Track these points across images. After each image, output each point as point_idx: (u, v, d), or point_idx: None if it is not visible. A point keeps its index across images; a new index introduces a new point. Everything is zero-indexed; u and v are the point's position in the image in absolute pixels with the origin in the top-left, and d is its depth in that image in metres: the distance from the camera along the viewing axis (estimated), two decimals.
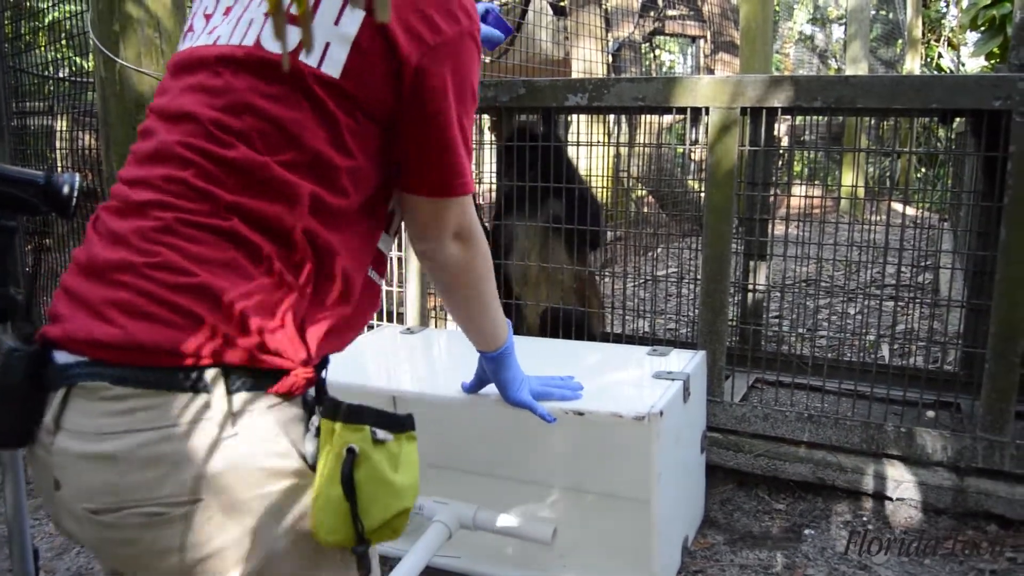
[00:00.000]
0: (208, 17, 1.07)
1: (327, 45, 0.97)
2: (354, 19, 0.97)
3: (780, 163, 3.32)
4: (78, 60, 4.12)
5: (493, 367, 1.55)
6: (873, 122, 3.54)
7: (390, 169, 1.07)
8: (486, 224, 2.80)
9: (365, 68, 0.97)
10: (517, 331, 2.74)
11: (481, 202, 3.40)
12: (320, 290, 0.99)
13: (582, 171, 3.80)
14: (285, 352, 0.93)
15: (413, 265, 2.63)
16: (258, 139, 0.95)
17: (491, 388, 1.86)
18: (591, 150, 4.14)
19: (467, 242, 1.18)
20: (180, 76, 1.03)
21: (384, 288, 1.10)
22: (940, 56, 11.26)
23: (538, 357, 2.13)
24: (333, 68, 0.96)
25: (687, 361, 2.02)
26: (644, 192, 6.24)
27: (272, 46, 0.99)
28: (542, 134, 2.65)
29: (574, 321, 2.56)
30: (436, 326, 3.03)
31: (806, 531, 2.07)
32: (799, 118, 2.80)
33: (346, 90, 0.97)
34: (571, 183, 2.57)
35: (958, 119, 2.51)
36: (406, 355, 2.14)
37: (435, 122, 1.02)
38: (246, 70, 0.98)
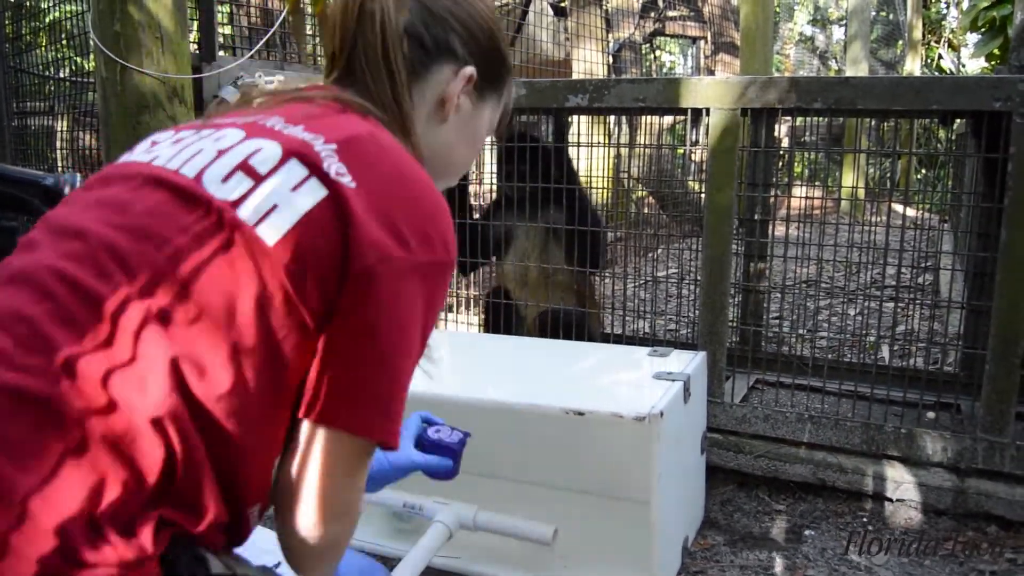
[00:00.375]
0: (155, 144, 0.97)
1: (274, 206, 0.85)
2: (314, 192, 0.86)
3: (780, 164, 3.33)
4: (79, 60, 4.13)
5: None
6: (873, 123, 3.54)
7: (289, 379, 0.87)
8: (479, 221, 2.80)
9: (307, 248, 0.84)
10: (516, 331, 2.74)
11: (482, 203, 3.40)
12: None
13: (582, 172, 3.80)
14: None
15: None
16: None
17: (493, 391, 1.86)
18: (591, 151, 4.14)
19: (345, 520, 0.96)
20: (94, 188, 0.92)
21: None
22: (940, 57, 11.27)
23: (539, 358, 2.14)
24: (270, 233, 0.84)
25: (687, 362, 2.02)
26: (644, 193, 6.24)
27: (213, 187, 0.87)
28: (553, 139, 2.65)
29: (573, 322, 2.56)
30: (437, 327, 3.03)
31: (806, 532, 2.07)
32: (799, 119, 2.81)
33: (275, 260, 0.83)
34: (573, 191, 2.57)
35: (958, 120, 2.52)
36: None
37: (369, 338, 0.86)
38: (171, 198, 0.87)
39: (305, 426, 0.87)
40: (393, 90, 1.00)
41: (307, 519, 0.92)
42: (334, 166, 0.87)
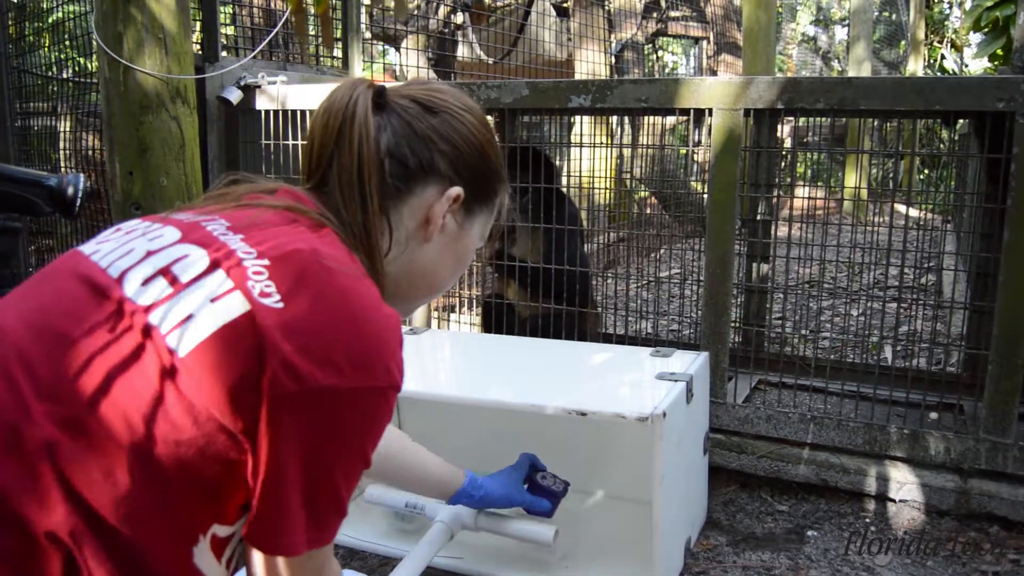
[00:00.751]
0: (114, 233, 0.97)
1: (188, 316, 0.83)
2: (233, 307, 0.83)
3: (783, 164, 3.32)
4: (82, 61, 4.13)
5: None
6: (876, 124, 3.54)
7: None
8: None
9: (220, 362, 0.81)
10: (510, 331, 2.73)
11: None
12: None
13: (585, 172, 3.81)
14: None
15: None
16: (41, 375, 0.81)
17: (495, 392, 1.86)
18: (594, 151, 4.14)
19: None
20: (34, 280, 0.92)
21: None
22: (943, 58, 11.26)
23: (541, 358, 2.14)
24: (182, 342, 0.82)
25: (690, 362, 2.02)
26: (647, 193, 6.24)
27: (131, 289, 0.86)
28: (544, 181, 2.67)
29: (573, 324, 2.55)
30: (440, 327, 3.03)
31: (809, 532, 2.07)
32: (802, 119, 2.80)
33: (184, 371, 0.81)
34: (563, 232, 2.60)
35: (961, 121, 2.51)
36: (409, 356, 2.14)
37: (291, 466, 0.83)
38: (90, 296, 0.86)
39: (256, 554, 0.87)
40: (364, 216, 0.98)
41: None
42: (260, 284, 0.84)
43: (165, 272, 0.87)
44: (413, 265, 1.07)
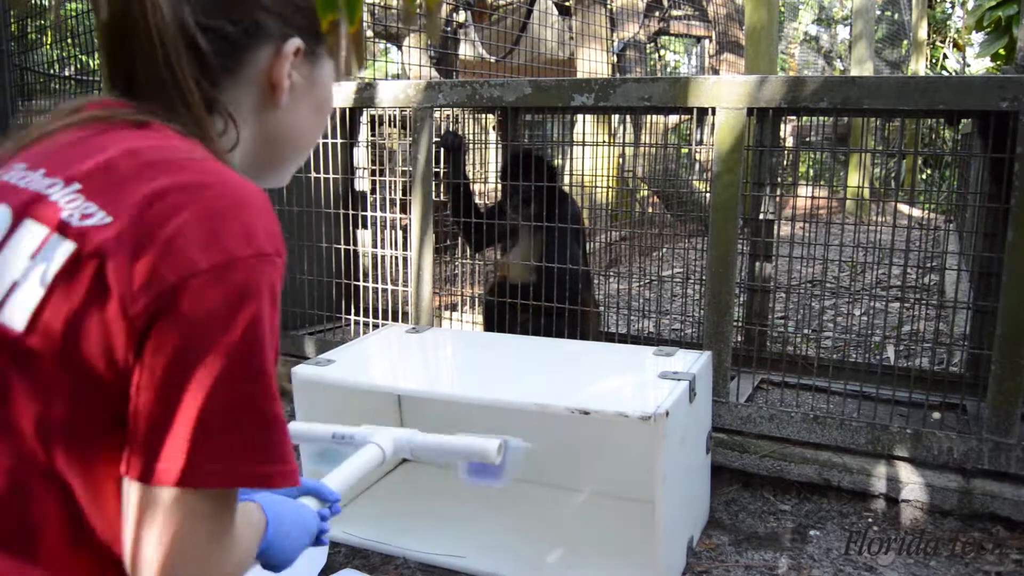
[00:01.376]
0: None
1: (13, 285, 0.72)
2: (58, 253, 0.72)
3: (785, 163, 3.32)
4: (84, 59, 4.13)
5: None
6: (879, 123, 3.54)
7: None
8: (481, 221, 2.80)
9: (69, 318, 0.71)
10: (512, 331, 2.73)
11: (486, 202, 3.40)
12: None
13: (587, 171, 3.80)
14: None
15: (416, 265, 2.64)
16: None
17: (498, 391, 1.86)
18: (596, 150, 4.14)
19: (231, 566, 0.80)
20: None
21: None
22: (945, 57, 11.25)
23: (544, 357, 2.14)
24: (17, 316, 0.72)
25: (693, 361, 2.02)
26: (649, 192, 6.24)
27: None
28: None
29: (576, 323, 2.55)
30: (441, 325, 3.03)
31: (811, 532, 2.06)
32: (804, 119, 2.80)
33: (30, 349, 0.72)
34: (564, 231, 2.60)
35: (964, 120, 2.51)
36: (411, 354, 2.14)
37: (179, 390, 0.71)
38: None
39: (134, 490, 0.72)
40: (188, 111, 0.83)
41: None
42: (78, 210, 0.73)
43: None
44: (270, 135, 0.94)
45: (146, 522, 0.72)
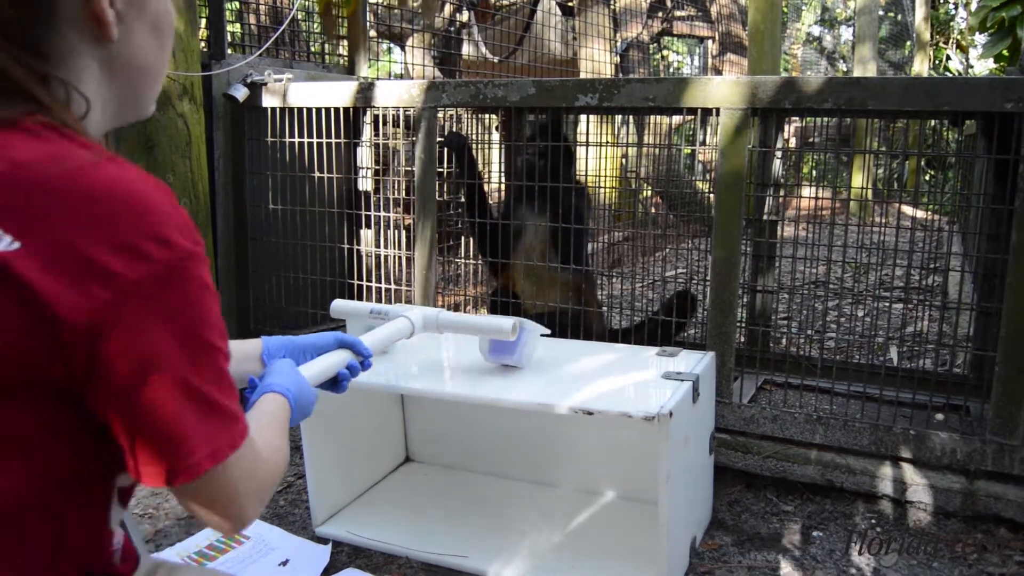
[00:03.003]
0: None
1: None
2: None
3: (788, 164, 3.32)
4: None
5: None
6: (882, 124, 3.53)
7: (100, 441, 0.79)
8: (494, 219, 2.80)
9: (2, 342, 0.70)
10: None
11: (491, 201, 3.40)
12: None
13: (590, 171, 3.80)
14: None
15: (419, 265, 2.64)
16: None
17: (501, 391, 1.86)
18: (599, 151, 4.14)
19: (254, 501, 0.86)
20: None
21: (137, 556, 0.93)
22: (948, 58, 11.24)
23: (547, 357, 2.13)
24: None
25: (696, 362, 2.02)
26: (652, 193, 6.24)
27: None
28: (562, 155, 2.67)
29: (572, 322, 2.54)
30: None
31: (814, 533, 2.06)
32: (808, 120, 2.80)
33: None
34: (569, 189, 2.59)
35: (968, 121, 2.51)
36: (413, 353, 2.14)
37: (125, 399, 0.74)
38: None
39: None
40: (16, 91, 0.76)
41: (227, 528, 0.85)
42: None
43: None
44: (116, 74, 0.85)
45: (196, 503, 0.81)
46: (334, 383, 1.30)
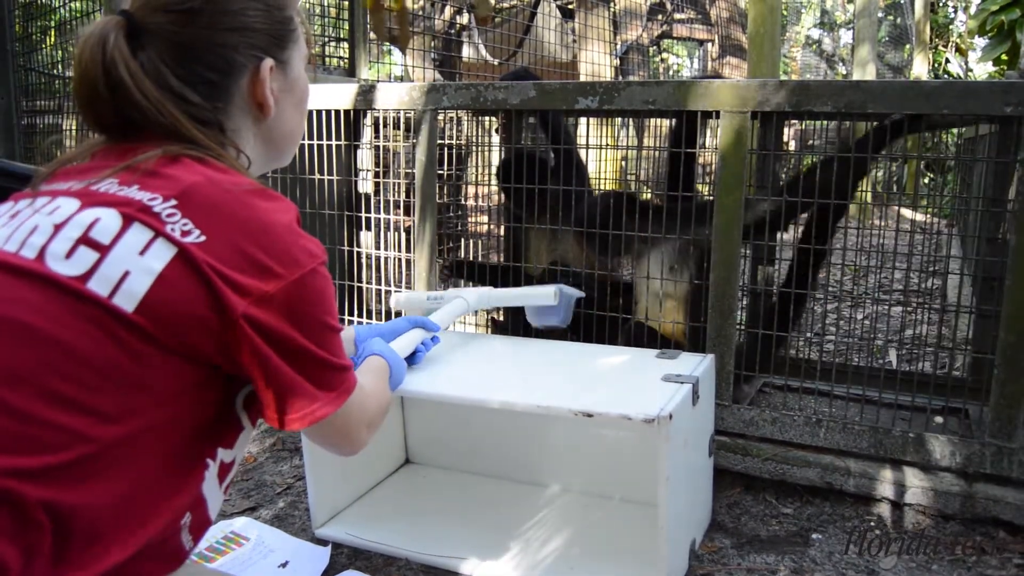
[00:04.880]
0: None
1: (125, 274, 0.87)
2: (162, 253, 0.88)
3: (787, 168, 3.32)
4: None
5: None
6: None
7: (222, 408, 1.00)
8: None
9: (170, 308, 0.88)
10: (516, 333, 2.73)
11: (487, 204, 3.40)
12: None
13: (590, 175, 3.80)
14: None
15: (420, 267, 2.64)
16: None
17: (501, 393, 1.86)
18: (600, 153, 4.14)
19: (365, 429, 1.16)
20: None
21: (190, 548, 1.02)
22: (948, 61, 11.25)
23: (547, 359, 2.14)
24: (127, 301, 0.87)
25: (696, 364, 2.02)
26: (651, 195, 6.24)
27: (58, 265, 0.87)
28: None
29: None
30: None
31: (814, 535, 2.07)
32: (808, 123, 2.80)
33: (139, 326, 0.87)
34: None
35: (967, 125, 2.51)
36: None
37: (271, 367, 0.95)
38: (14, 281, 0.86)
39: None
40: (198, 143, 0.99)
41: (348, 451, 1.17)
42: (178, 224, 0.90)
43: (85, 240, 0.88)
44: (269, 140, 1.12)
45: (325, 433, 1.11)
46: (411, 356, 1.75)
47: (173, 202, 0.90)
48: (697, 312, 2.37)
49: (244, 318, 0.90)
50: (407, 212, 2.79)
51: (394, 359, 1.50)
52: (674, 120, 2.54)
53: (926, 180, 7.29)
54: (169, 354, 0.89)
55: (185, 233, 0.89)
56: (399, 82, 3.89)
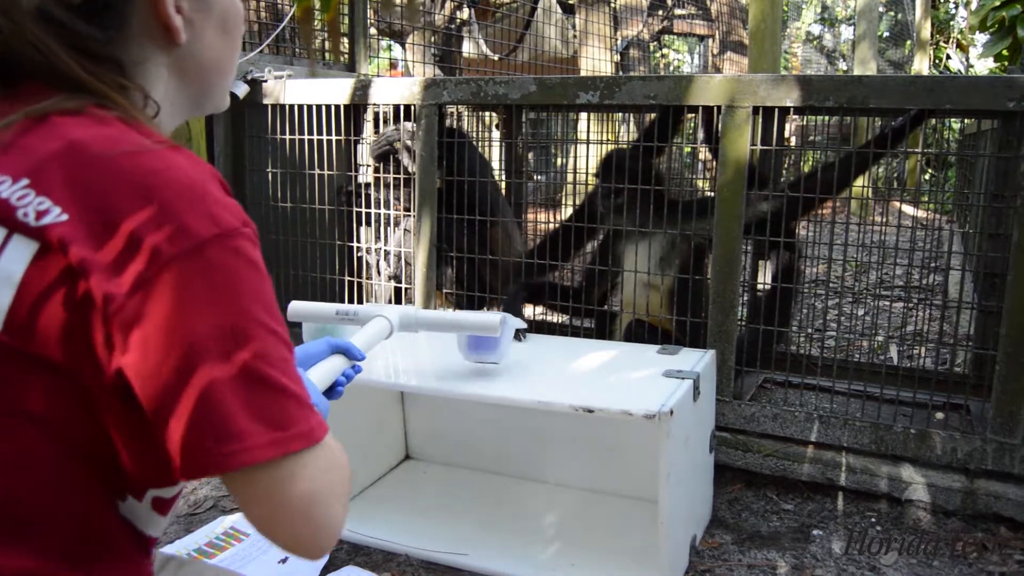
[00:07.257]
0: None
1: None
2: (21, 252, 0.71)
3: (788, 163, 3.31)
4: None
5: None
6: (882, 123, 3.52)
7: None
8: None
9: (41, 318, 0.71)
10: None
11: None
12: None
13: (591, 169, 3.79)
14: None
15: (420, 262, 2.63)
16: None
17: (502, 388, 1.86)
18: (601, 148, 4.13)
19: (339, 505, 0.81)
20: None
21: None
22: (949, 58, 11.23)
23: (548, 354, 2.13)
24: None
25: (697, 360, 2.02)
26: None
27: None
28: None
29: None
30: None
31: (814, 532, 2.06)
32: (808, 118, 2.80)
33: (11, 348, 0.72)
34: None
35: (968, 120, 2.51)
36: (413, 351, 2.14)
37: (170, 378, 0.71)
38: None
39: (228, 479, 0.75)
40: (84, 87, 0.79)
41: (303, 551, 0.80)
42: (32, 206, 0.72)
43: None
44: (188, 74, 0.88)
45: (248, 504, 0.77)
46: (330, 390, 1.23)
47: (25, 181, 0.73)
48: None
49: (129, 307, 0.70)
50: (407, 207, 2.78)
51: (316, 396, 1.08)
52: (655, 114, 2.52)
53: (927, 176, 7.28)
54: (59, 375, 0.73)
55: (42, 215, 0.71)
56: (399, 77, 3.88)
